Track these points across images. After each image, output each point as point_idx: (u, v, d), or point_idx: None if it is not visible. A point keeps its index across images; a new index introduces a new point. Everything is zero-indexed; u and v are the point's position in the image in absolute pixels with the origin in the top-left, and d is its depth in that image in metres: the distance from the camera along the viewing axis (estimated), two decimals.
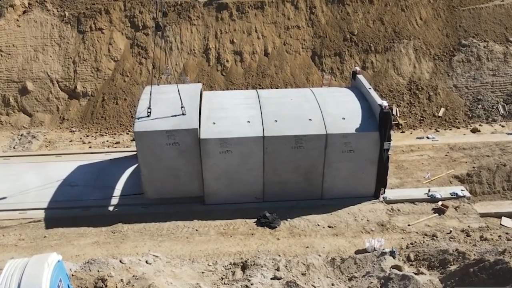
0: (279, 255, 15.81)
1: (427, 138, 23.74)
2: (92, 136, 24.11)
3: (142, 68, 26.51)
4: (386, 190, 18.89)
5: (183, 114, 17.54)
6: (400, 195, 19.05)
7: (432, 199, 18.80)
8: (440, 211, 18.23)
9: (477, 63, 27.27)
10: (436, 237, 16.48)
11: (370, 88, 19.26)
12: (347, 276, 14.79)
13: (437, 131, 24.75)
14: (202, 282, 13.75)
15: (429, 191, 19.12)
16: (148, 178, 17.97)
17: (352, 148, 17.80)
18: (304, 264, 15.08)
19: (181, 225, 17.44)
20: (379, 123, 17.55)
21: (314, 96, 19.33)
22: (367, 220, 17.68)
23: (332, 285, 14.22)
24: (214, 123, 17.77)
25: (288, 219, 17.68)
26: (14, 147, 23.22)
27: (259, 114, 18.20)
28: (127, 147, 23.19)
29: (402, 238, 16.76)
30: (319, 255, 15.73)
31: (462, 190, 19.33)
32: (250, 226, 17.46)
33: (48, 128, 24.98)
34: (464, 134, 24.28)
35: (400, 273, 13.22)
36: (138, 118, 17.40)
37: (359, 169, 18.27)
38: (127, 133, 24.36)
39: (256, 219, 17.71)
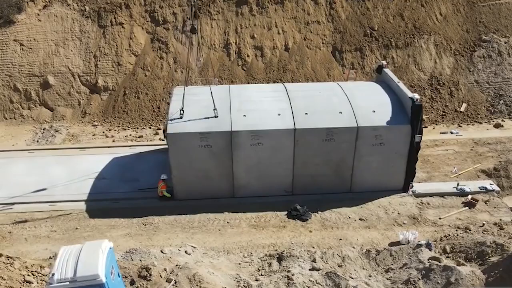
0: (313, 247, 15.79)
1: (451, 133, 23.70)
2: (115, 130, 24.10)
3: (163, 63, 26.48)
4: (414, 183, 18.84)
5: (215, 116, 17.47)
6: (429, 189, 19.00)
7: (461, 193, 18.74)
8: (470, 205, 18.16)
9: (498, 58, 27.21)
10: (469, 230, 16.42)
11: (398, 82, 19.21)
12: (383, 268, 14.76)
13: (459, 126, 24.70)
14: (241, 273, 13.71)
15: (458, 185, 19.06)
16: (178, 179, 17.89)
17: (383, 141, 17.76)
18: (339, 256, 15.06)
19: (212, 217, 17.40)
20: (411, 116, 17.49)
21: (342, 90, 19.27)
22: (398, 213, 17.64)
23: (370, 276, 14.19)
24: (244, 115, 17.73)
25: (319, 212, 17.64)
26: (37, 141, 23.20)
27: (289, 107, 18.15)
28: (150, 141, 23.18)
29: (435, 231, 16.70)
30: (353, 247, 15.70)
31: (491, 184, 19.27)
32: (281, 218, 17.42)
33: (70, 122, 24.97)
34: (487, 129, 24.23)
35: (442, 264, 13.18)
36: (171, 120, 17.32)
37: (388, 162, 18.22)
38: (149, 127, 24.34)
39: (286, 212, 17.68)
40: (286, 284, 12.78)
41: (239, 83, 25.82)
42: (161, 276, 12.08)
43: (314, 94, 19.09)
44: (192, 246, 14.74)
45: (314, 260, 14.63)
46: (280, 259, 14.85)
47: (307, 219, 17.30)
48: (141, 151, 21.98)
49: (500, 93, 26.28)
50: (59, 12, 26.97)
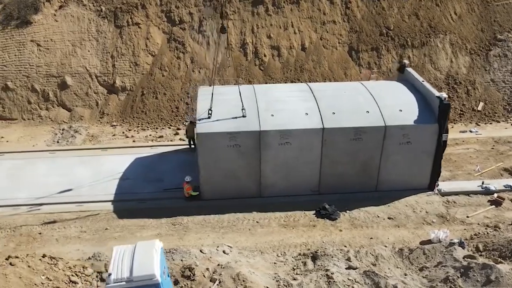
0: (345, 246, 15.84)
1: (470, 131, 23.79)
2: (134, 130, 24.06)
3: (180, 63, 26.46)
4: (438, 182, 18.91)
5: (243, 116, 17.48)
6: (454, 187, 19.08)
7: (487, 191, 18.83)
8: (496, 203, 18.26)
9: None
10: (499, 228, 16.51)
11: (423, 81, 19.28)
12: (417, 266, 14.80)
13: (477, 125, 24.79)
14: (278, 272, 13.73)
15: (482, 183, 19.16)
16: (206, 179, 17.89)
17: (410, 140, 17.82)
18: (372, 255, 15.10)
19: (241, 217, 17.42)
20: (438, 115, 17.56)
21: (366, 89, 19.33)
22: (426, 212, 17.70)
23: (405, 275, 14.23)
24: (272, 115, 17.75)
25: (347, 211, 17.69)
26: (57, 142, 23.14)
27: (316, 107, 18.19)
28: (170, 141, 23.16)
29: (465, 229, 16.78)
30: (385, 246, 15.76)
31: None
32: (310, 218, 17.46)
33: (88, 122, 24.91)
34: (506, 128, 24.33)
35: (480, 262, 13.24)
36: (199, 120, 17.32)
37: (415, 161, 18.29)
38: (169, 127, 24.32)
39: (315, 211, 17.71)
40: (327, 283, 12.80)
41: (256, 83, 25.81)
42: (204, 276, 12.09)
43: (340, 93, 19.15)
44: (228, 246, 14.74)
45: (348, 259, 14.67)
46: (314, 258, 14.89)
47: (336, 218, 17.35)
48: (163, 151, 21.96)
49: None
50: (75, 13, 26.90)
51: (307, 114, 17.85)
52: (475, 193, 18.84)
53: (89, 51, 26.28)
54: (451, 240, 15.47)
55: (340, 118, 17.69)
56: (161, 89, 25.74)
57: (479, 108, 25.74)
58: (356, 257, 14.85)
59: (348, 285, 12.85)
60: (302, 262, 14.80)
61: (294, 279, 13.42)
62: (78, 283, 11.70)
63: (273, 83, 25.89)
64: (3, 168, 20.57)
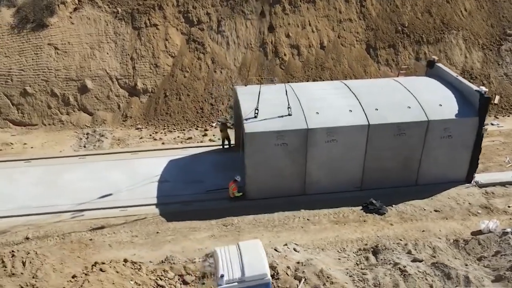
0: (401, 240, 16.06)
1: (491, 124, 24.38)
2: (161, 133, 23.80)
3: (201, 64, 26.29)
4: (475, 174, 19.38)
5: (289, 115, 17.52)
6: (490, 179, 19.57)
7: None
8: None
9: None
10: None
11: (457, 76, 19.72)
12: (474, 256, 15.15)
13: (496, 117, 25.48)
14: (349, 268, 13.85)
15: None
16: (252, 179, 17.89)
17: (451, 133, 18.21)
18: (430, 247, 15.38)
19: (290, 215, 17.47)
20: (479, 108, 17.99)
21: (401, 85, 19.64)
22: (469, 204, 18.12)
23: (466, 265, 14.53)
24: (317, 112, 17.86)
25: (393, 205, 17.94)
26: (84, 146, 22.69)
27: (358, 103, 18.38)
28: (200, 142, 23.01)
29: (510, 219, 17.24)
30: (439, 238, 16.05)
31: None
32: (358, 213, 17.64)
33: (112, 126, 24.49)
34: None
35: None
36: (246, 119, 17.28)
37: (454, 154, 18.69)
38: (196, 129, 24.14)
39: (361, 207, 17.90)
40: (401, 276, 12.98)
41: (278, 82, 25.86)
42: (287, 274, 12.10)
43: (377, 90, 19.40)
44: (295, 244, 14.77)
45: (409, 252, 14.91)
46: (375, 252, 15.07)
47: (384, 213, 17.57)
48: (194, 153, 21.78)
49: None
50: (91, 15, 26.41)
51: (351, 111, 18.03)
52: (511, 183, 19.35)
53: (107, 53, 25.84)
54: (503, 229, 15.87)
55: (384, 114, 17.93)
56: (184, 91, 25.52)
57: (496, 101, 26.44)
58: (416, 250, 15.10)
59: (421, 278, 13.05)
60: (364, 257, 14.96)
61: (363, 274, 13.53)
62: (165, 287, 11.55)
63: (295, 81, 25.97)
64: (34, 175, 20.06)
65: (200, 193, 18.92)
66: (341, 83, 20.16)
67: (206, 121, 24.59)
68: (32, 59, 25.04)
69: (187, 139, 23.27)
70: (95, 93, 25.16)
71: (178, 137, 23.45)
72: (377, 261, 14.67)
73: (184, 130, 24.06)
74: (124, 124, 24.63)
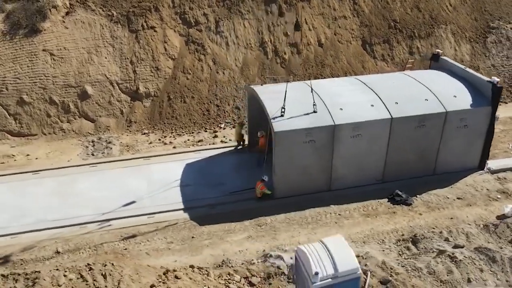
0: (433, 228, 16.53)
1: None
2: (170, 137, 23.35)
3: (203, 65, 25.99)
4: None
5: (315, 112, 17.65)
6: (499, 165, 20.47)
7: None
8: None
9: (507, 43, 29.65)
10: None
11: (465, 67, 20.50)
12: (505, 239, 15.81)
13: None
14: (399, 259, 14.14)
15: None
16: (280, 178, 17.90)
17: (467, 123, 18.91)
18: (463, 233, 15.93)
19: (321, 211, 17.61)
20: (492, 98, 18.78)
21: (413, 79, 20.20)
22: (487, 189, 18.88)
23: (501, 248, 15.15)
24: (341, 109, 18.08)
25: (418, 196, 18.43)
26: (92, 154, 21.93)
27: (377, 98, 18.75)
28: (213, 144, 22.75)
29: None
30: (469, 224, 16.65)
31: None
32: (386, 205, 18.01)
33: (116, 132, 23.80)
34: None
35: None
36: (274, 118, 17.26)
37: (468, 143, 19.42)
38: (205, 131, 23.85)
39: (387, 199, 18.29)
40: (453, 262, 13.38)
41: (281, 81, 25.91)
42: None
43: (391, 84, 19.86)
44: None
45: (446, 239, 15.38)
46: (414, 242, 15.45)
47: (411, 203, 18.03)
48: (209, 155, 21.52)
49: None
50: (85, 19, 25.54)
51: (372, 105, 18.37)
52: None
53: (106, 57, 25.08)
54: None
55: (404, 107, 18.38)
56: (188, 93, 25.14)
57: None
58: (451, 237, 15.59)
59: (470, 263, 13.50)
60: (404, 247, 15.30)
61: (415, 263, 13.83)
62: None
63: (297, 80, 26.15)
64: (47, 186, 19.23)
65: (224, 195, 18.73)
66: (355, 79, 20.50)
67: (213, 123, 24.34)
68: (27, 66, 23.94)
69: (198, 141, 22.95)
70: (96, 99, 24.36)
71: (188, 140, 23.08)
72: (418, 250, 15.05)
73: (193, 132, 23.71)
74: (129, 130, 23.99)
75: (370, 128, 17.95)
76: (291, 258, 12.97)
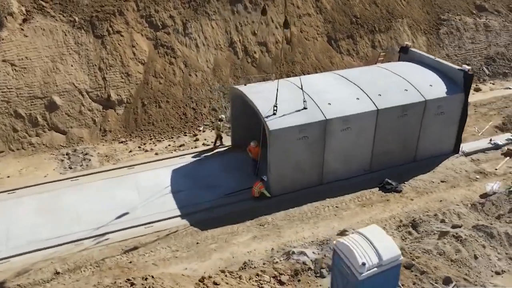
0: (427, 211, 17.35)
1: None
2: (150, 143, 22.71)
3: (174, 68, 25.48)
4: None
5: (305, 108, 17.88)
6: (471, 148, 21.85)
7: (496, 146, 21.96)
8: (508, 154, 21.40)
9: (458, 34, 31.66)
10: None
11: (435, 58, 21.67)
12: (493, 216, 16.95)
13: None
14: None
15: (490, 140, 22.26)
16: (276, 176, 17.99)
17: (443, 110, 19.99)
18: (455, 214, 16.87)
19: (318, 205, 17.92)
20: (464, 85, 19.98)
21: (389, 71, 21.05)
22: (466, 171, 20.09)
23: (491, 224, 16.20)
24: (329, 104, 18.47)
25: (405, 182, 19.24)
26: (70, 167, 20.84)
27: (360, 91, 19.35)
28: (195, 147, 22.39)
29: (503, 179, 19.47)
30: (457, 205, 17.65)
31: (511, 135, 22.86)
32: (378, 194, 18.65)
33: (91, 142, 22.77)
34: (473, 93, 28.07)
35: None
36: (267, 117, 17.30)
37: (444, 129, 20.55)
38: (185, 135, 23.42)
39: (378, 188, 18.94)
40: (459, 242, 14.13)
41: (255, 80, 26.01)
42: None
43: (371, 77, 20.57)
44: (352, 229, 15.22)
45: (443, 221, 16.22)
46: (414, 226, 16.16)
47: (401, 190, 18.81)
48: (195, 159, 21.19)
49: (466, 63, 30.52)
50: (45, 25, 24.16)
51: (358, 99, 18.93)
52: (489, 149, 21.84)
53: (72, 65, 23.90)
54: (507, 188, 17.93)
55: (388, 98, 19.11)
56: (162, 98, 24.56)
57: None
58: (446, 218, 16.45)
59: (473, 241, 14.33)
60: (406, 232, 15.96)
61: (423, 247, 14.47)
62: None
63: (269, 78, 26.35)
64: (29, 205, 18.07)
65: (220, 197, 18.53)
66: (335, 74, 21.02)
67: (192, 126, 23.98)
68: None
69: (180, 146, 22.51)
70: (66, 109, 23.16)
71: (169, 145, 22.57)
72: (419, 234, 15.75)
73: (172, 137, 23.21)
74: (104, 139, 23.04)
75: (358, 121, 18.49)
76: (313, 252, 13.14)
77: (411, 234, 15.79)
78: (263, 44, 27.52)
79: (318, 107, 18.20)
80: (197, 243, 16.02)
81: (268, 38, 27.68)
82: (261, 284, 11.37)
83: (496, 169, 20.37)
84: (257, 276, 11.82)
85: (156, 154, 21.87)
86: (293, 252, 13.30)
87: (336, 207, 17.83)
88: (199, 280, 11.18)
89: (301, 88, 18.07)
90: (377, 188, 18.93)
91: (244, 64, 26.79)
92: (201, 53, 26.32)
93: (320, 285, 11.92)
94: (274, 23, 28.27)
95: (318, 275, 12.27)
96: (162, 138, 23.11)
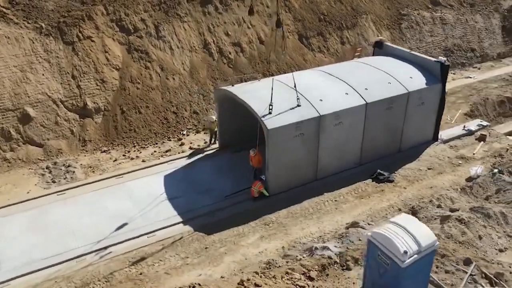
0: (421, 198, 18.07)
1: None
2: (134, 151, 22.01)
3: (151, 73, 24.84)
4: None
5: (298, 105, 18.05)
6: (448, 135, 23.00)
7: (470, 132, 23.25)
8: (482, 139, 22.73)
9: (418, 27, 33.17)
10: (503, 155, 20.82)
11: (411, 51, 22.57)
12: (482, 197, 17.96)
13: None
14: None
15: (464, 127, 23.54)
16: (273, 175, 18.03)
17: (423, 101, 20.89)
18: (448, 198, 17.69)
19: (318, 200, 18.17)
20: (441, 76, 20.98)
21: (370, 65, 21.70)
22: (448, 157, 21.11)
23: (483, 205, 17.14)
24: (321, 100, 18.76)
25: (395, 172, 19.92)
26: (53, 181, 19.79)
27: (347, 86, 19.80)
28: (182, 152, 21.96)
29: (483, 163, 20.64)
30: (448, 190, 18.52)
31: (481, 121, 24.30)
32: (372, 185, 19.18)
33: (71, 154, 21.74)
34: None
35: None
36: (263, 117, 17.30)
37: (424, 118, 21.48)
38: (169, 140, 22.92)
39: (371, 179, 19.49)
40: (463, 224, 14.84)
41: (232, 81, 25.93)
42: None
43: (355, 72, 21.09)
44: (363, 221, 15.54)
45: (439, 206, 16.97)
46: (414, 213, 16.74)
47: (393, 180, 19.45)
48: (184, 164, 20.82)
49: (428, 55, 32.10)
50: (9, 33, 22.75)
51: (347, 94, 19.37)
52: (463, 135, 23.10)
53: (43, 74, 22.69)
54: (491, 171, 19.04)
55: (374, 92, 19.69)
56: (141, 103, 23.89)
57: None
58: (441, 203, 17.22)
59: (475, 222, 15.11)
60: None
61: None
62: (306, 287, 11.29)
63: (246, 78, 26.34)
64: (17, 224, 17.01)
65: (219, 200, 18.33)
66: (320, 71, 21.37)
67: (175, 131, 23.51)
68: None
69: (166, 151, 22.01)
70: (40, 121, 21.96)
71: (155, 151, 22.00)
72: (420, 220, 16.32)
73: (156, 143, 22.64)
74: (85, 150, 22.07)
75: (349, 115, 18.93)
76: (335, 246, 13.32)
77: None
78: (237, 45, 27.45)
79: (311, 103, 18.44)
80: (206, 248, 15.76)
81: (242, 38, 27.64)
82: (294, 282, 11.40)
83: (474, 154, 21.55)
84: (287, 275, 11.84)
85: (144, 161, 21.25)
86: (316, 248, 13.43)
87: (335, 200, 18.15)
88: (238, 283, 11.01)
89: (295, 86, 18.22)
90: (370, 180, 19.43)
91: (220, 65, 26.60)
92: (176, 56, 25.84)
93: (348, 277, 12.11)
94: (246, 23, 28.28)
95: (344, 267, 12.47)
96: (146, 145, 22.48)
